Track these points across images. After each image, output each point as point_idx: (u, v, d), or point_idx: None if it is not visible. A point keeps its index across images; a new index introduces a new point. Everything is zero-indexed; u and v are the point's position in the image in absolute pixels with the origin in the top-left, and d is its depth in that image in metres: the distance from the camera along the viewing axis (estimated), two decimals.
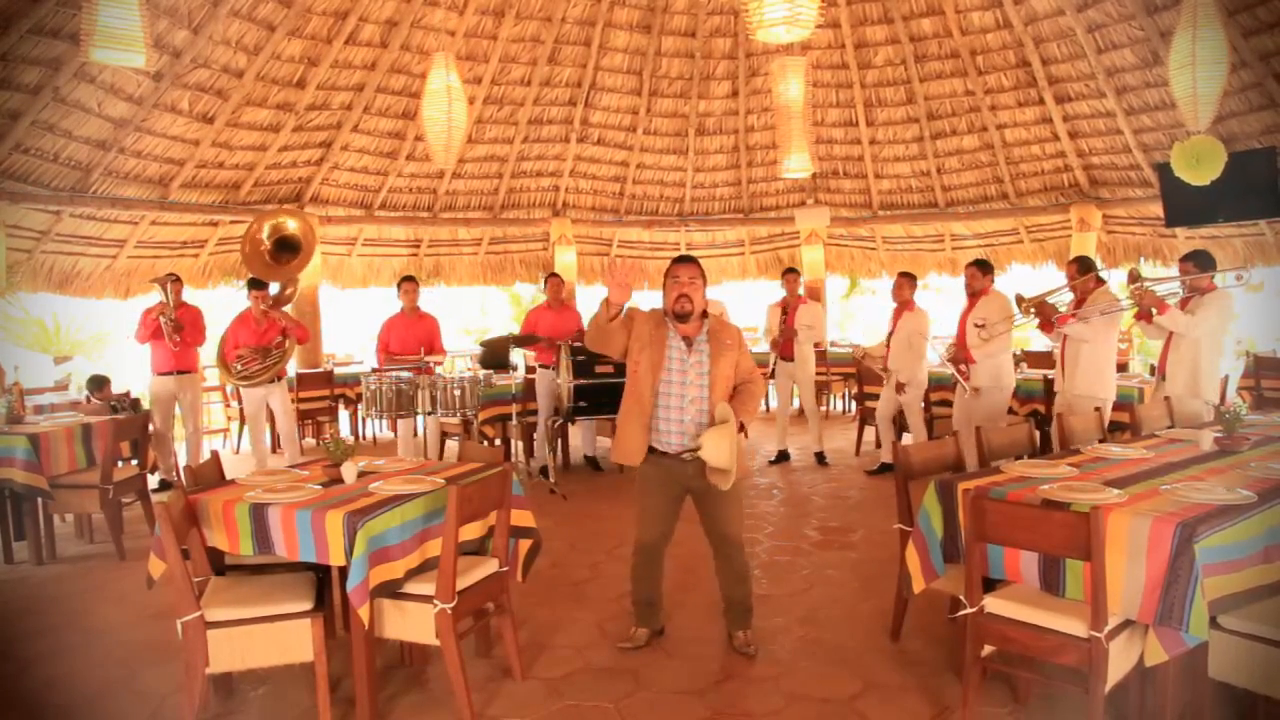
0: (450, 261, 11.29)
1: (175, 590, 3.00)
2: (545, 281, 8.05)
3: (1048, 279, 10.31)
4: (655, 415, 3.64)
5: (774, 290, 8.11)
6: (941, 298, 13.80)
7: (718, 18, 10.00)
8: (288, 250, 7.06)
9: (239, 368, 6.76)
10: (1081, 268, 5.92)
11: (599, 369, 6.80)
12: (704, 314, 3.74)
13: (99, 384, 7.16)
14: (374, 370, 6.94)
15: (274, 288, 7.12)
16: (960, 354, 6.28)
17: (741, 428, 3.57)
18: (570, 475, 7.56)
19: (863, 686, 3.46)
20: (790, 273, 7.88)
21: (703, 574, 4.37)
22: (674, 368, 3.63)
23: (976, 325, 6.22)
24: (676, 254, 3.85)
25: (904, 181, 10.87)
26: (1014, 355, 7.61)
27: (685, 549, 3.69)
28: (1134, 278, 5.32)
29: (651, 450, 3.68)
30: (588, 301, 11.03)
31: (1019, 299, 5.98)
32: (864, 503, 6.44)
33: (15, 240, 7.95)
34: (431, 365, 6.86)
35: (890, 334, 7.07)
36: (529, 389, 7.60)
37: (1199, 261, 5.18)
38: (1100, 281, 5.86)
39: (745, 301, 12.56)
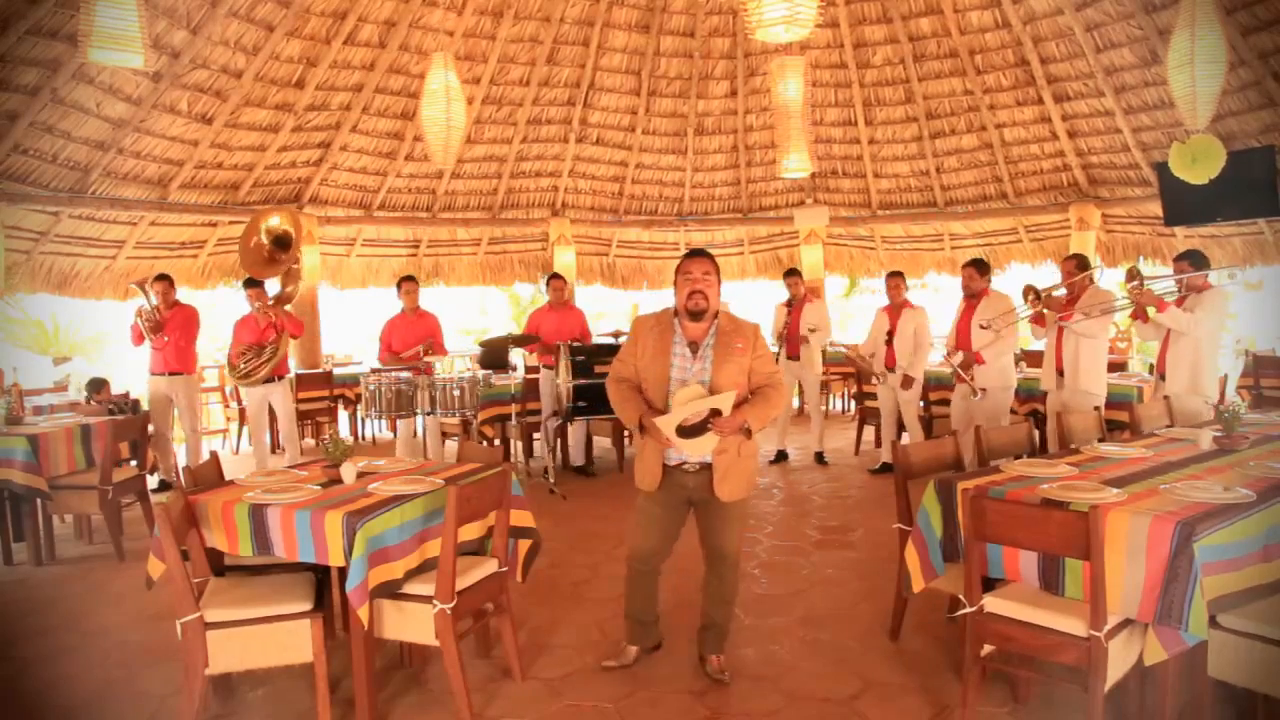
0: (449, 262, 11.29)
1: (174, 591, 3.00)
2: (547, 283, 8.02)
3: (1047, 278, 10.30)
4: None
5: (774, 290, 8.10)
6: (940, 297, 13.80)
7: (716, 17, 10.00)
8: (282, 247, 7.06)
9: (241, 367, 6.78)
10: (1079, 265, 5.93)
11: (599, 369, 6.79)
12: (715, 315, 3.44)
13: (98, 386, 7.18)
14: (374, 370, 6.94)
15: (274, 287, 7.12)
16: (970, 357, 6.20)
17: (747, 433, 3.34)
18: (569, 475, 7.56)
19: (862, 686, 3.46)
20: (793, 274, 7.88)
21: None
22: (674, 375, 3.36)
23: (982, 327, 6.14)
24: (687, 251, 3.52)
25: (903, 181, 10.87)
26: (1015, 355, 7.59)
27: (687, 544, 3.68)
28: (1132, 276, 5.31)
29: None
30: (587, 301, 11.04)
31: (1027, 290, 5.84)
32: (864, 502, 6.44)
33: (14, 241, 7.95)
34: (431, 364, 6.86)
35: (890, 333, 7.06)
36: (529, 389, 7.60)
37: (1194, 260, 5.19)
38: (1091, 280, 5.87)
39: (744, 301, 12.57)
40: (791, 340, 7.60)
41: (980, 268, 6.42)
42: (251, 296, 6.84)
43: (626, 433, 7.50)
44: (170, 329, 7.07)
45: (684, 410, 3.27)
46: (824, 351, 9.82)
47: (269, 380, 6.80)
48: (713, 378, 3.34)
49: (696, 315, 3.37)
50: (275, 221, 7.00)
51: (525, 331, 7.66)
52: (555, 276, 8.02)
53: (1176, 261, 5.32)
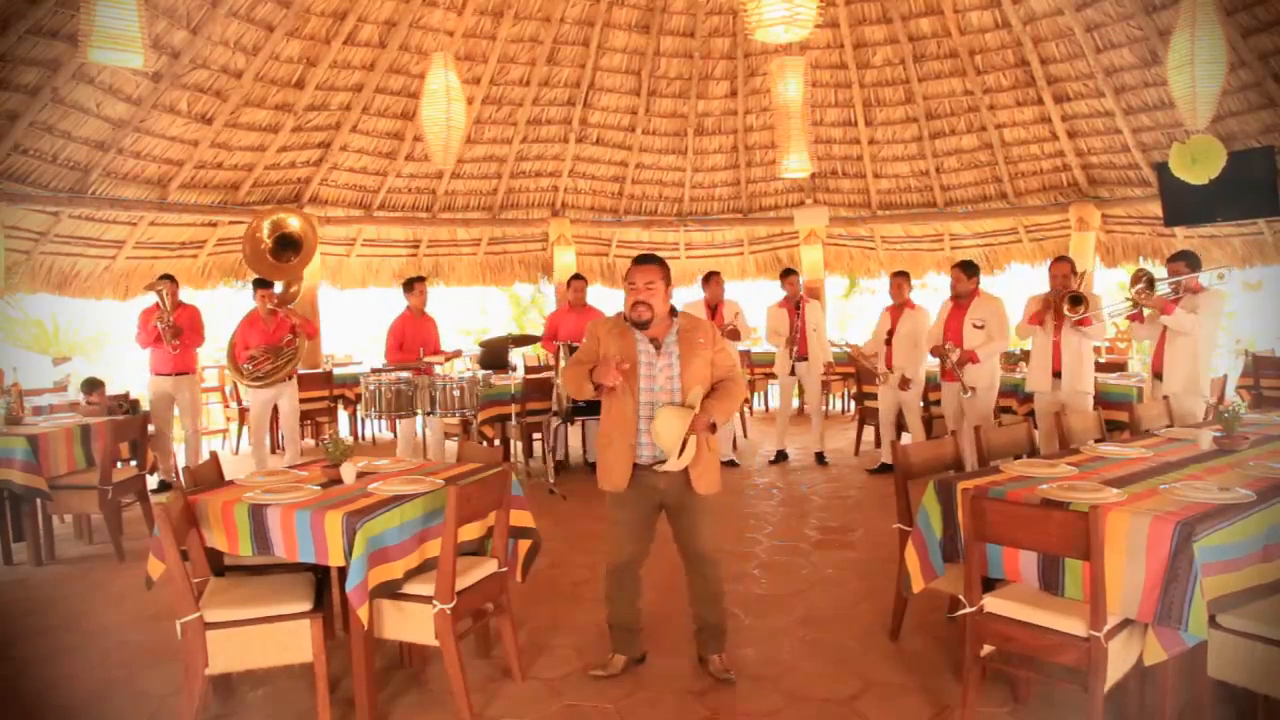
0: (449, 262, 11.28)
1: (174, 591, 3.00)
2: (568, 284, 8.06)
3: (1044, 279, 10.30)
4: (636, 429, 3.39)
5: (773, 290, 8.09)
6: (940, 297, 13.76)
7: (716, 18, 10.00)
8: (289, 248, 7.05)
9: (249, 369, 6.71)
10: (1073, 268, 5.97)
11: None
12: (672, 312, 3.50)
13: (92, 386, 7.12)
14: (373, 370, 6.93)
15: (277, 287, 7.10)
16: (965, 356, 6.25)
17: (712, 427, 3.37)
18: (569, 475, 7.56)
19: (862, 686, 3.46)
20: (790, 274, 7.88)
21: None
22: (643, 373, 3.39)
23: (976, 325, 6.25)
24: (636, 256, 3.57)
25: (903, 181, 10.87)
26: (1014, 355, 7.64)
27: (671, 548, 3.69)
28: (1138, 278, 5.33)
29: None
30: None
31: (1065, 294, 5.74)
32: (863, 502, 6.44)
33: (14, 241, 7.95)
34: (431, 365, 6.86)
35: (890, 333, 7.08)
36: (529, 389, 7.60)
37: (1190, 261, 5.22)
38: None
39: (744, 301, 12.53)
40: (802, 341, 7.58)
41: (968, 269, 6.49)
42: (263, 297, 6.80)
43: None
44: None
45: (678, 435, 3.25)
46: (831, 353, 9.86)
47: (283, 380, 6.79)
48: (681, 373, 3.39)
49: (641, 326, 3.40)
50: (293, 223, 6.99)
51: (545, 332, 7.73)
52: (577, 277, 8.05)
53: (1172, 262, 5.34)
